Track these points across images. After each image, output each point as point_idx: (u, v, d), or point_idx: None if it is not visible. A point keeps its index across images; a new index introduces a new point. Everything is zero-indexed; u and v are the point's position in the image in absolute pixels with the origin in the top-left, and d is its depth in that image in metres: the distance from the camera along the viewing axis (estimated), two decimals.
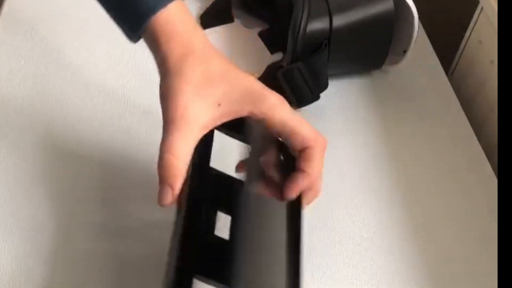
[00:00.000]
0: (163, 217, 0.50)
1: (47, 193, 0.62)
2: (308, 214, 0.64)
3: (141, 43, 0.52)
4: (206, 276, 0.44)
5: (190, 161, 0.47)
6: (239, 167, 0.54)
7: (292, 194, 0.50)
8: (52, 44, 0.77)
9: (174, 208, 0.48)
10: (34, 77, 0.73)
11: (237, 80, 0.49)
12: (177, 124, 0.46)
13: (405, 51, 0.77)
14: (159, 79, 0.49)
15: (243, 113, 0.48)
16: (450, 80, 0.83)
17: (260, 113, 0.48)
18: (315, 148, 0.50)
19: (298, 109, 0.74)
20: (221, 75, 0.48)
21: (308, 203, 0.53)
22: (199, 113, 0.47)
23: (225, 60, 0.50)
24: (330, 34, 0.71)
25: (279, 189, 0.50)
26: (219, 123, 0.48)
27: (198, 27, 0.51)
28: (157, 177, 0.63)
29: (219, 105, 0.48)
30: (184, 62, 0.47)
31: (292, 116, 0.49)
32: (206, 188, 0.48)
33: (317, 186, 0.52)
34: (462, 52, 0.89)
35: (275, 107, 0.49)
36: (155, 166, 0.64)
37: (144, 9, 0.48)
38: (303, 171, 0.50)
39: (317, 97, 0.74)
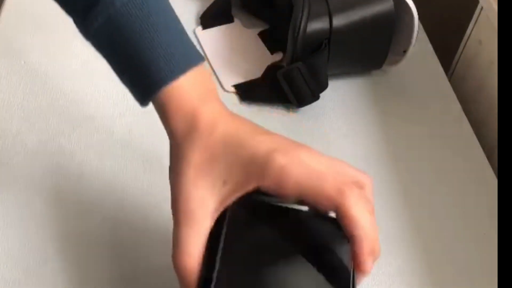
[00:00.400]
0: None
1: (43, 195, 0.62)
2: None
3: None
4: None
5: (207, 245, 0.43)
6: None
7: (366, 270, 0.42)
8: (52, 44, 0.77)
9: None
10: (34, 77, 0.73)
11: (239, 149, 0.42)
12: (184, 217, 0.43)
13: (405, 51, 0.77)
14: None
15: (251, 186, 0.42)
16: (450, 80, 0.83)
17: (269, 183, 0.41)
18: (345, 203, 0.40)
19: (298, 109, 0.74)
20: (224, 146, 0.43)
21: (369, 268, 0.43)
22: (205, 199, 0.43)
23: (233, 124, 0.45)
24: (330, 34, 0.71)
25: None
26: (230, 201, 0.43)
27: (210, 96, 0.46)
28: (156, 177, 0.63)
29: (224, 182, 0.43)
30: (187, 141, 0.44)
31: (308, 173, 0.41)
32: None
33: (375, 246, 0.42)
34: (462, 52, 0.89)
35: (283, 170, 0.41)
36: (155, 165, 0.65)
37: (154, 80, 0.45)
38: (352, 236, 0.41)
39: (317, 97, 0.74)
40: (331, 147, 0.71)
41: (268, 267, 0.41)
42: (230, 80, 0.76)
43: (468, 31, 0.87)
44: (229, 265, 0.41)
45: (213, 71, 0.77)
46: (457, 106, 0.79)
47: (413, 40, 0.75)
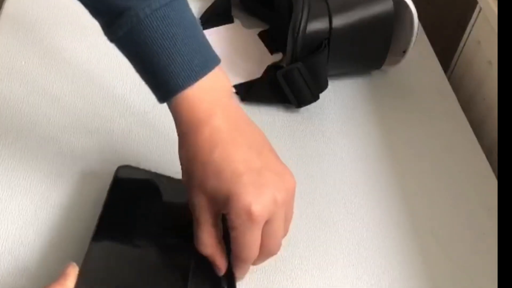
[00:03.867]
0: None
1: (45, 191, 0.62)
2: (308, 214, 0.64)
3: None
4: None
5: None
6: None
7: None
8: (52, 45, 0.77)
9: None
10: (35, 77, 0.73)
11: (229, 185, 0.50)
12: (194, 219, 0.52)
13: (404, 51, 0.77)
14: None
15: (225, 212, 0.51)
16: (449, 80, 0.83)
17: (230, 217, 0.51)
18: (237, 265, 0.54)
19: (298, 109, 0.75)
20: (218, 173, 0.50)
21: (259, 262, 0.55)
22: (203, 208, 0.52)
23: (229, 149, 0.51)
24: (330, 34, 0.71)
25: None
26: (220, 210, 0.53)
27: (213, 113, 0.52)
28: None
29: (214, 198, 0.51)
30: (190, 152, 0.52)
31: (248, 239, 0.52)
32: None
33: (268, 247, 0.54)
34: (461, 52, 0.89)
35: (241, 211, 0.50)
36: (155, 165, 0.65)
37: (169, 86, 0.51)
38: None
39: (316, 97, 0.74)
40: (331, 147, 0.72)
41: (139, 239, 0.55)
42: (230, 80, 0.76)
43: (467, 32, 0.87)
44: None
45: None
46: (456, 106, 0.80)
47: (413, 41, 0.75)
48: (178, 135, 0.53)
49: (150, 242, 0.55)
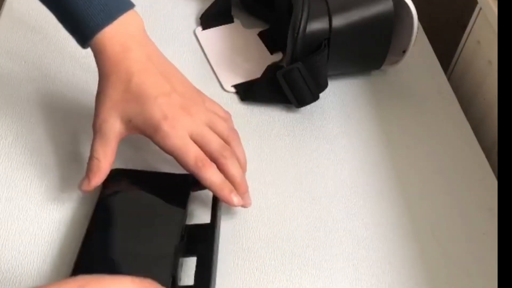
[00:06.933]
0: None
1: (45, 191, 0.62)
2: (308, 214, 0.64)
3: None
4: None
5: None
6: None
7: (235, 205, 0.61)
8: (53, 45, 0.77)
9: None
10: (35, 77, 0.73)
11: (145, 106, 0.59)
12: (98, 133, 0.60)
13: (404, 51, 0.77)
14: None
15: (146, 134, 0.60)
16: (448, 79, 0.83)
17: (155, 141, 0.60)
18: (200, 175, 0.60)
19: (298, 109, 0.75)
20: (136, 97, 0.59)
21: (237, 203, 0.61)
22: (114, 125, 0.59)
23: (146, 78, 0.59)
24: (329, 35, 0.71)
25: None
26: (130, 133, 0.60)
27: (128, 48, 0.59)
28: None
29: (130, 121, 0.59)
30: (110, 81, 0.59)
31: (178, 146, 0.59)
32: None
33: (232, 189, 0.61)
34: (460, 52, 0.89)
35: (165, 137, 0.59)
36: (154, 165, 0.65)
37: (87, 29, 0.58)
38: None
39: (316, 97, 0.74)
40: (331, 147, 0.72)
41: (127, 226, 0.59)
42: (230, 80, 0.76)
43: (467, 32, 0.87)
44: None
45: (213, 71, 0.77)
46: (456, 106, 0.80)
47: (413, 40, 0.75)
48: (101, 75, 0.60)
49: (140, 226, 0.59)
